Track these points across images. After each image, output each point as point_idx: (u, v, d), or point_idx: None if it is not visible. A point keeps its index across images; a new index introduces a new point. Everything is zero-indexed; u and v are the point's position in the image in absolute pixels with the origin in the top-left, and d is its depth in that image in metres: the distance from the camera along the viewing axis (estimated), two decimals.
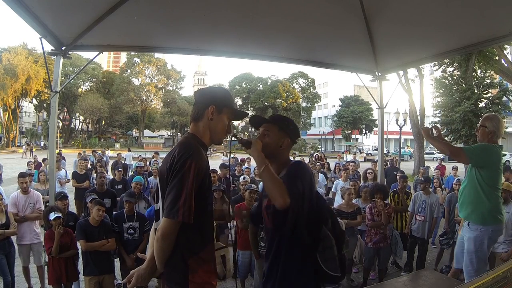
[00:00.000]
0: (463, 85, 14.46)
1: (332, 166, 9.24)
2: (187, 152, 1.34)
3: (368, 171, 5.77)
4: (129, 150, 16.74)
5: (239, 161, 8.41)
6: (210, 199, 1.52)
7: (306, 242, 1.53)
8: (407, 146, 37.66)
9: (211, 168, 1.70)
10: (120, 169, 6.48)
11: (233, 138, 1.66)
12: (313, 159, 11.81)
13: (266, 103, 45.90)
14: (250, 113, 47.65)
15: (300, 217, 1.49)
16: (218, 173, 6.17)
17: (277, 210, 1.47)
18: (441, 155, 16.36)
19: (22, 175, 4.08)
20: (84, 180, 6.67)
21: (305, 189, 1.50)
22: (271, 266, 1.59)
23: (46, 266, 3.48)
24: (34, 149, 30.46)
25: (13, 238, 3.74)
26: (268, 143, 1.62)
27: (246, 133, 51.57)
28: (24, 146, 29.17)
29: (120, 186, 5.81)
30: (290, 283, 1.54)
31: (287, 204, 1.41)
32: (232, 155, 11.96)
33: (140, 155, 12.78)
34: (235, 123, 51.32)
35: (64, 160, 10.50)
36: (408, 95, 15.66)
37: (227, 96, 1.57)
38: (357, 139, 46.40)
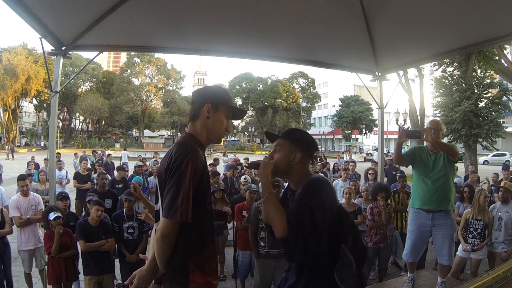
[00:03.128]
0: (463, 85, 14.42)
1: (331, 166, 9.25)
2: (183, 152, 1.34)
3: (369, 171, 5.76)
4: (124, 149, 16.79)
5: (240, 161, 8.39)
6: (209, 199, 1.52)
7: (324, 261, 1.46)
8: (407, 146, 37.64)
9: (214, 170, 1.69)
10: (123, 169, 6.48)
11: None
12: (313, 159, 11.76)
13: (266, 103, 45.90)
14: (250, 112, 47.65)
15: (310, 241, 1.42)
16: (222, 175, 6.18)
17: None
18: None
19: (21, 178, 4.00)
20: (86, 181, 6.67)
21: (315, 214, 1.38)
22: (296, 282, 1.54)
23: (45, 266, 3.47)
24: (33, 150, 30.31)
25: (9, 237, 3.72)
26: (279, 159, 1.56)
27: (246, 133, 51.57)
28: (7, 147, 27.35)
29: (120, 186, 5.81)
30: None
31: (285, 235, 1.39)
32: (232, 156, 11.93)
33: (140, 155, 12.77)
34: (235, 123, 51.31)
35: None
36: (408, 95, 15.64)
37: (224, 94, 1.56)
38: (357, 139, 46.40)
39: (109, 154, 12.07)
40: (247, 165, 1.63)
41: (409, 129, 3.09)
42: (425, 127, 3.15)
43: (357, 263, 1.50)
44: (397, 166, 8.06)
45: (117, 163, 10.09)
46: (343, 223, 1.51)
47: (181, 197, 1.29)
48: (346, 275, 1.46)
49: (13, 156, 23.97)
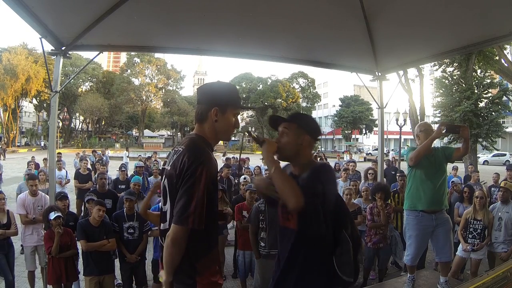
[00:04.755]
0: (463, 85, 14.40)
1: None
2: (197, 158, 1.32)
3: (369, 171, 5.77)
4: (126, 149, 16.88)
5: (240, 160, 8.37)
6: (216, 201, 1.51)
7: (327, 244, 1.48)
8: (407, 146, 37.67)
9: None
10: (123, 169, 6.48)
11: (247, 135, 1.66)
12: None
13: (266, 103, 45.82)
14: (250, 112, 47.57)
15: (320, 218, 1.45)
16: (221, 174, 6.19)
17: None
18: None
19: (32, 178, 4.03)
20: (87, 180, 6.68)
21: (326, 192, 1.43)
22: (287, 266, 1.55)
23: (46, 266, 3.48)
24: (33, 150, 30.14)
25: (13, 238, 3.73)
26: (287, 142, 1.55)
27: (246, 133, 51.47)
28: (0, 147, 26.30)
29: (123, 186, 5.80)
30: (307, 284, 1.50)
31: (300, 205, 1.35)
32: (232, 155, 11.92)
33: (140, 155, 12.77)
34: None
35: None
36: (408, 95, 15.63)
37: (230, 93, 1.51)
38: (357, 139, 46.39)
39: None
40: (255, 136, 1.62)
41: (449, 123, 3.04)
42: (416, 129, 3.14)
43: (354, 250, 1.53)
44: (396, 166, 8.07)
45: (117, 163, 10.07)
46: (343, 210, 1.57)
47: (194, 204, 1.27)
48: (344, 262, 1.48)
49: (4, 156, 23.70)
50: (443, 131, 2.91)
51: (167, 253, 1.32)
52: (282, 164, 1.61)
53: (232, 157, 10.35)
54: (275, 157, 1.59)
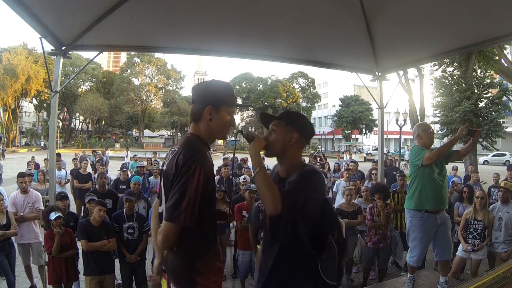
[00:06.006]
0: (463, 85, 14.39)
1: (331, 166, 9.27)
2: (192, 156, 1.31)
3: (372, 171, 5.77)
4: (127, 150, 16.92)
5: (240, 160, 8.38)
6: (214, 200, 1.51)
7: (310, 251, 1.47)
8: (407, 146, 37.69)
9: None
10: (124, 169, 6.49)
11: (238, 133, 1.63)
12: (312, 158, 11.82)
13: (266, 103, 45.79)
14: (250, 112, 47.54)
15: (298, 226, 1.43)
16: (218, 176, 6.17)
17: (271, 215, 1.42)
18: None
19: (21, 175, 4.07)
20: (87, 180, 6.68)
21: (308, 200, 1.40)
22: (275, 267, 1.53)
23: (46, 266, 3.48)
24: (33, 150, 30.08)
25: (13, 238, 3.74)
26: (275, 139, 1.54)
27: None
28: (0, 147, 25.91)
29: (124, 186, 5.79)
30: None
31: (277, 211, 1.34)
32: (231, 155, 11.88)
33: (135, 155, 12.80)
34: (235, 123, 51.12)
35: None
36: (408, 95, 15.64)
37: (224, 92, 1.49)
38: (357, 139, 46.40)
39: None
40: (246, 134, 1.58)
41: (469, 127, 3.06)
42: (418, 129, 3.18)
43: (339, 255, 1.53)
44: (397, 166, 8.06)
45: (117, 163, 10.07)
46: (330, 216, 1.57)
47: (186, 202, 1.26)
48: (329, 266, 1.48)
49: (4, 156, 23.63)
50: (464, 133, 2.96)
51: (157, 247, 1.40)
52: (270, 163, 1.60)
53: (230, 157, 10.34)
54: (263, 154, 1.58)
